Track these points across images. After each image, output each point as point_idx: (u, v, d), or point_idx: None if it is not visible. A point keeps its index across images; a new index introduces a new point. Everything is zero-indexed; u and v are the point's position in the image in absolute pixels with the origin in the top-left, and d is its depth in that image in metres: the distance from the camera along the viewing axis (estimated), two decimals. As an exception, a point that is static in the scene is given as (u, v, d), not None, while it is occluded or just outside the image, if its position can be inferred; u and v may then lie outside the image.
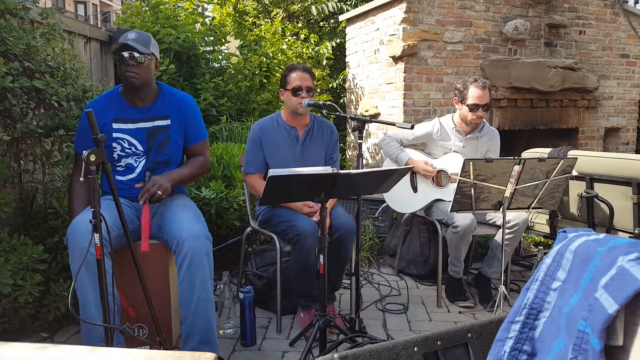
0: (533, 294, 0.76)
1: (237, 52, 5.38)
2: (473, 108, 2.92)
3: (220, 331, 2.51)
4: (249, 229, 2.79)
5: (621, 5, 3.52)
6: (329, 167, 2.43)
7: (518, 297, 0.83)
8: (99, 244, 1.57)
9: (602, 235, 0.71)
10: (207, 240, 2.08)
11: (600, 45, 4.99)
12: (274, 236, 2.56)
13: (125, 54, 2.12)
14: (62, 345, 0.86)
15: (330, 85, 5.65)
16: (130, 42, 2.12)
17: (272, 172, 1.84)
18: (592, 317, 0.61)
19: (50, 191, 2.88)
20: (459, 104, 3.00)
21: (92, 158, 1.53)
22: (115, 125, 2.24)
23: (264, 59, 4.95)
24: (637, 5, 7.72)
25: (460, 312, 2.85)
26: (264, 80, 4.91)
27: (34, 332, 2.47)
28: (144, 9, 4.63)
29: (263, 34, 5.36)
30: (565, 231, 0.77)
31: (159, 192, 2.11)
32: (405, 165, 2.96)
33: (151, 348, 1.92)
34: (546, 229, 3.33)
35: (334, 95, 5.82)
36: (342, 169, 4.96)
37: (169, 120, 2.30)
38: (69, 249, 1.95)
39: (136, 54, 2.13)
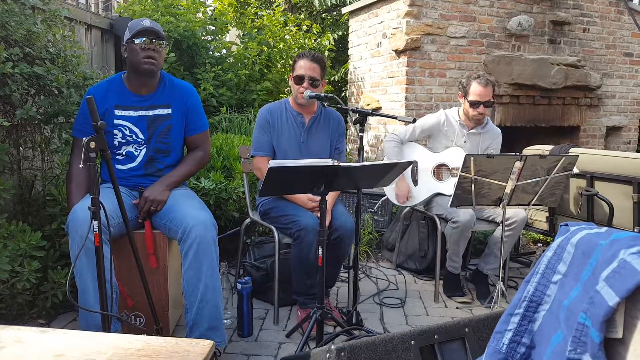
0: (533, 287, 0.76)
1: (238, 41, 5.34)
2: (474, 104, 2.92)
3: (218, 321, 2.51)
4: (247, 220, 2.79)
5: (626, 3, 3.50)
6: (330, 159, 2.42)
7: (518, 289, 0.82)
8: (97, 231, 1.57)
9: (604, 229, 0.70)
10: (214, 228, 2.09)
11: (604, 44, 4.97)
12: (273, 228, 2.56)
13: (145, 40, 2.13)
14: (60, 330, 0.86)
15: (332, 78, 5.63)
16: (151, 27, 2.14)
17: (272, 163, 1.83)
18: (592, 310, 0.61)
19: (49, 178, 2.87)
20: (462, 98, 3.00)
21: (92, 145, 1.52)
22: (117, 112, 2.23)
23: (265, 48, 4.92)
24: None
25: (457, 308, 2.85)
26: (265, 70, 4.88)
27: (31, 319, 2.47)
28: (144, -2, 4.60)
29: (265, 23, 5.33)
30: (567, 224, 0.77)
31: (153, 208, 2.16)
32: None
33: (149, 336, 1.92)
34: (545, 226, 3.32)
35: (336, 88, 5.81)
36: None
37: (170, 109, 2.29)
38: (69, 236, 1.95)
39: (155, 41, 2.16)
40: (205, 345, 0.78)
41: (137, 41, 2.13)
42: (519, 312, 0.76)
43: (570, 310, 0.65)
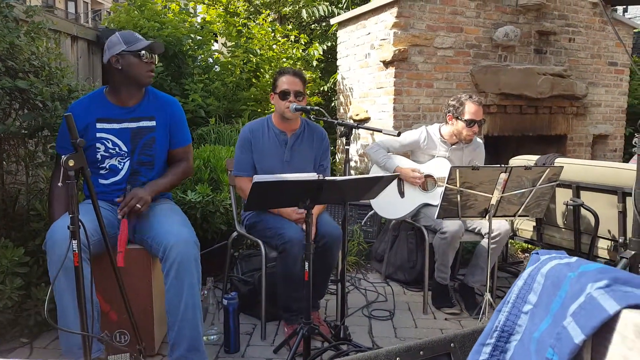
0: (504, 317, 0.75)
1: (225, 51, 5.34)
2: (470, 124, 2.93)
3: (204, 337, 2.47)
4: (234, 233, 2.77)
5: (607, 14, 3.55)
6: (315, 173, 2.41)
7: (490, 319, 0.82)
8: (76, 251, 1.54)
9: (573, 259, 0.70)
10: (195, 246, 2.07)
11: (590, 53, 5.03)
12: (260, 242, 2.54)
13: (149, 54, 2.20)
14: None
15: (322, 89, 5.64)
16: (153, 42, 2.22)
17: (256, 178, 1.83)
18: (559, 346, 0.60)
19: (34, 193, 2.84)
20: (454, 119, 2.99)
21: (71, 163, 1.50)
22: (99, 125, 2.22)
23: (252, 57, 4.91)
24: (625, 14, 7.79)
25: (446, 319, 2.84)
26: (253, 80, 4.87)
27: (13, 338, 2.42)
28: (131, 8, 4.58)
29: (252, 31, 5.32)
30: (537, 253, 0.76)
31: (138, 206, 2.12)
32: (393, 172, 2.95)
33: (131, 356, 1.89)
34: (533, 236, 3.34)
35: (325, 99, 5.81)
36: (331, 173, 4.92)
37: (155, 122, 2.28)
38: (48, 255, 1.92)
39: (155, 56, 2.24)
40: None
41: (145, 55, 2.18)
42: (491, 342, 0.76)
43: (540, 342, 0.65)
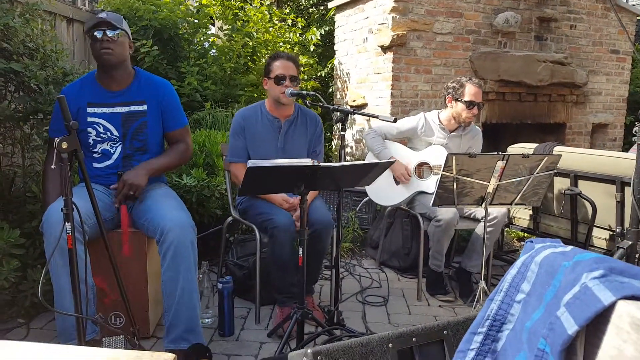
0: (497, 305, 0.74)
1: (221, 35, 5.27)
2: (469, 105, 2.91)
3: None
4: (229, 218, 2.76)
5: (610, 0, 3.50)
6: (310, 159, 2.40)
7: (481, 309, 0.81)
8: (70, 233, 1.53)
9: (568, 248, 0.69)
10: (192, 229, 2.07)
11: (591, 40, 4.98)
12: (254, 227, 2.54)
13: (99, 32, 2.10)
14: (14, 342, 0.84)
15: (319, 74, 5.58)
16: (104, 18, 2.11)
17: (250, 162, 1.82)
18: (552, 336, 0.59)
19: (30, 175, 2.82)
20: (453, 102, 2.98)
21: (64, 145, 1.48)
22: (90, 110, 2.20)
23: (248, 40, 4.85)
24: (628, 0, 7.71)
25: (440, 306, 2.85)
26: (250, 64, 4.82)
27: (10, 319, 2.43)
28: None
29: (250, 16, 5.24)
30: (532, 241, 0.75)
31: (131, 192, 2.12)
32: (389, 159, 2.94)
33: (125, 337, 1.90)
34: (530, 225, 3.34)
35: (323, 84, 5.75)
36: (327, 159, 4.89)
37: (146, 106, 2.25)
38: (44, 237, 1.92)
39: (109, 32, 2.11)
40: (166, 358, 0.76)
41: (95, 34, 2.10)
42: (482, 331, 0.75)
43: (532, 332, 0.64)
